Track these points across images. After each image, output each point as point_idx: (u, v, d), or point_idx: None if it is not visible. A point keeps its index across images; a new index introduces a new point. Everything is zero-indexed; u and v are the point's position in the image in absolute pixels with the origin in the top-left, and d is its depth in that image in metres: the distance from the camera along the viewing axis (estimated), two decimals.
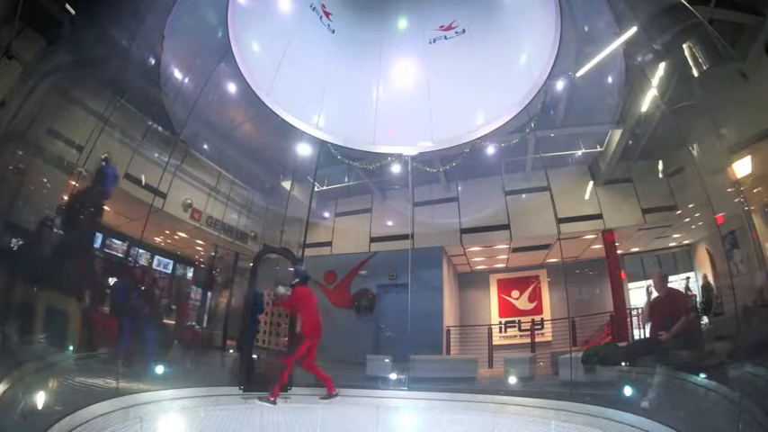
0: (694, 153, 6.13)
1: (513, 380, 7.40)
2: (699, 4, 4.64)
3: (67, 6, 5.13)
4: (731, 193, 5.48)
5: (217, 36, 6.06)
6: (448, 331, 10.56)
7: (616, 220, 9.44)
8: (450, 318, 11.09)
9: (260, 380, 6.25)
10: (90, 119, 6.21)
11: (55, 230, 5.76)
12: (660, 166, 8.14)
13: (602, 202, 9.55)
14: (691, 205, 7.81)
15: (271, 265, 7.79)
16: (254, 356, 6.75)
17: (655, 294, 5.50)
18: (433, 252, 10.66)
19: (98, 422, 3.76)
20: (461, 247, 11.04)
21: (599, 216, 9.51)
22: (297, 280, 6.27)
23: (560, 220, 9.10)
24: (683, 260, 9.84)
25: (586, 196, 9.66)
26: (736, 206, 5.44)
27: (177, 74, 6.88)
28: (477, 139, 7.38)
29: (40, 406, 3.54)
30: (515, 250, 11.33)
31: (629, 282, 10.39)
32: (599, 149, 9.17)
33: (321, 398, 5.93)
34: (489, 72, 6.53)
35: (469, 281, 13.03)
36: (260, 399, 5.68)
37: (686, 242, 9.80)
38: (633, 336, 8.68)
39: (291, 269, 6.40)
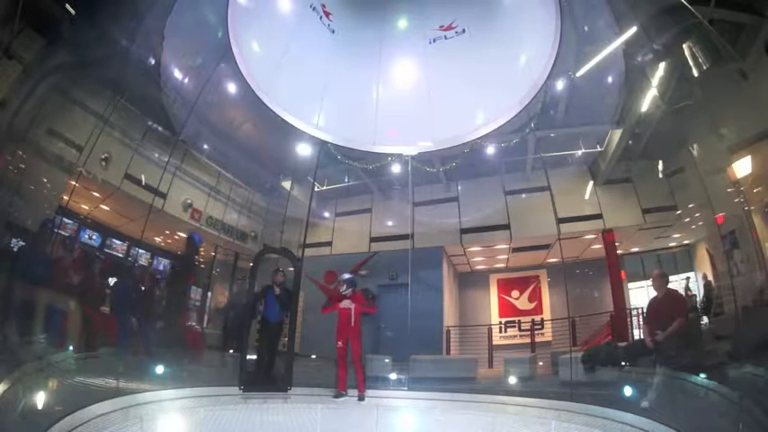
0: (694, 153, 6.13)
1: (512, 380, 7.40)
2: (699, 4, 4.64)
3: (67, 6, 5.14)
4: (731, 193, 5.48)
5: (217, 36, 6.04)
6: (448, 331, 10.55)
7: (616, 220, 9.43)
8: (450, 318, 11.09)
9: (260, 380, 6.24)
10: (90, 119, 6.23)
11: (56, 231, 5.78)
12: (660, 166, 8.13)
13: (602, 202, 9.53)
14: (691, 205, 7.79)
15: (271, 265, 7.79)
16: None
17: (654, 294, 5.51)
18: (433, 252, 10.65)
19: (98, 422, 3.77)
20: (461, 247, 11.04)
21: (599, 216, 9.50)
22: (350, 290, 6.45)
23: (560, 220, 9.12)
24: (683, 260, 9.83)
25: (586, 196, 9.65)
26: (736, 206, 5.44)
27: (177, 74, 6.89)
28: (477, 139, 7.35)
29: (40, 406, 3.54)
30: (515, 250, 11.32)
31: (629, 282, 10.39)
32: (599, 149, 9.16)
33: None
34: (489, 72, 6.50)
35: (469, 281, 13.02)
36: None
37: (686, 242, 9.79)
38: (633, 336, 8.68)
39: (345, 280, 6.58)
